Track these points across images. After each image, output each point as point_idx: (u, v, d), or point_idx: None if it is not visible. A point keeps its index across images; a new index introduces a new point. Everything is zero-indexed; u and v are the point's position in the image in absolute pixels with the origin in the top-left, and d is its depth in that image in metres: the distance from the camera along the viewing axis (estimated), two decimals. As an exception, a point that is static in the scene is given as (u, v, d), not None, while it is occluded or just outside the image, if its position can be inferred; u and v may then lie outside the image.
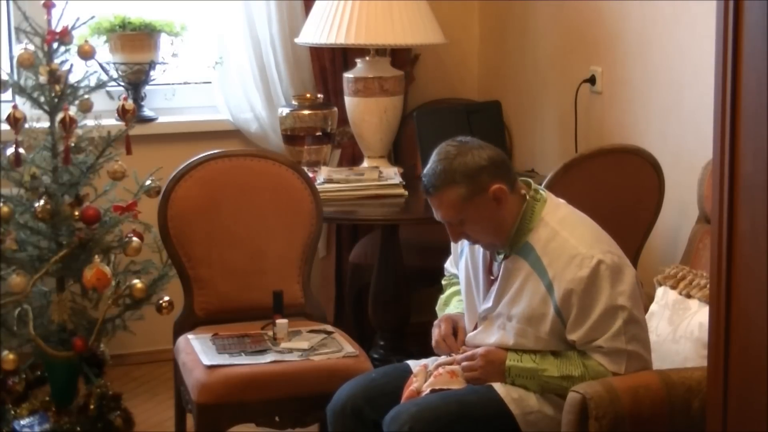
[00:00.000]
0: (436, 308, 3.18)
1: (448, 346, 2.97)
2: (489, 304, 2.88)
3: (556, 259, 2.77)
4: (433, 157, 2.81)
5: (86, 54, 3.69)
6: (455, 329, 3.00)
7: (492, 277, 2.90)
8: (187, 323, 3.56)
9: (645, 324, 2.84)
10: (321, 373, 3.23)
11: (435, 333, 3.02)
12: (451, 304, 3.11)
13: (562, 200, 2.91)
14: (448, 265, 3.21)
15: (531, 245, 2.81)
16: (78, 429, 3.67)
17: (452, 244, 3.11)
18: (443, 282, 3.22)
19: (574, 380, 2.73)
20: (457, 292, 3.12)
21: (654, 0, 3.78)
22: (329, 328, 3.53)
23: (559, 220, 2.82)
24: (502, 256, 2.87)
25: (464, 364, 2.88)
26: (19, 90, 3.65)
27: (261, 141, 4.59)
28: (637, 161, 3.62)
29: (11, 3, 4.05)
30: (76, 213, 3.62)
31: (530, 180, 2.91)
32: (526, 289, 2.81)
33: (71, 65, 3.67)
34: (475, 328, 2.94)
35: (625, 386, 2.67)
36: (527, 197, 2.84)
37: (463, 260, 3.01)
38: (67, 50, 3.64)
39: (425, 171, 2.81)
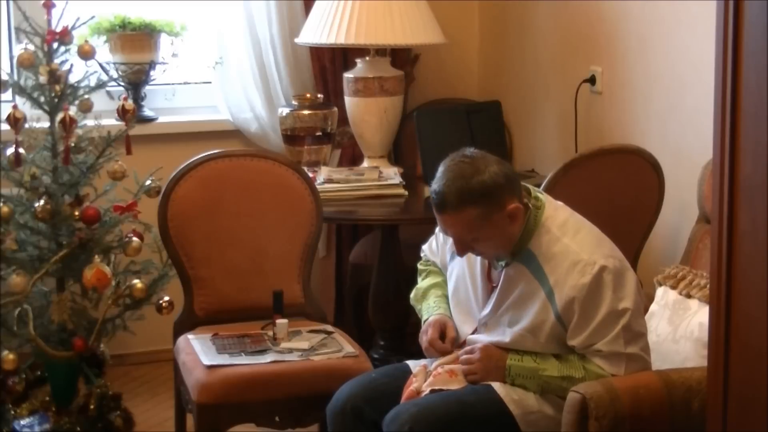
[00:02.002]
0: (411, 297, 3.14)
1: (437, 350, 2.95)
2: (488, 310, 2.88)
3: (557, 266, 2.76)
4: (446, 174, 2.73)
5: (86, 54, 3.69)
6: (443, 332, 2.97)
7: (492, 285, 2.89)
8: (187, 323, 3.56)
9: (645, 326, 2.84)
10: (321, 373, 3.23)
11: (423, 340, 2.98)
12: (430, 299, 3.06)
13: (560, 202, 2.90)
14: (427, 250, 3.17)
15: (532, 252, 2.80)
16: (78, 429, 3.67)
17: (438, 235, 3.09)
18: (420, 266, 3.18)
19: (574, 381, 2.73)
20: (437, 285, 3.09)
21: (654, 0, 3.78)
22: (329, 328, 3.53)
23: (560, 225, 2.81)
24: (502, 263, 2.86)
25: (463, 358, 2.88)
26: (19, 90, 3.65)
27: (261, 141, 4.59)
28: (637, 161, 3.62)
29: (11, 3, 4.05)
30: (76, 213, 3.62)
31: (529, 186, 2.89)
32: (527, 297, 2.80)
33: (71, 65, 3.67)
34: (474, 333, 2.94)
35: (625, 386, 2.67)
36: (529, 206, 2.82)
37: (457, 263, 3.00)
38: (67, 50, 3.64)
39: (437, 188, 2.73)
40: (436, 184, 2.75)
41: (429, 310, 3.04)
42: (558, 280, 2.75)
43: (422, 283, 3.14)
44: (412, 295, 3.15)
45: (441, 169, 2.77)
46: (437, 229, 3.10)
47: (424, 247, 3.19)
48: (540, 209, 2.82)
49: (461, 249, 2.83)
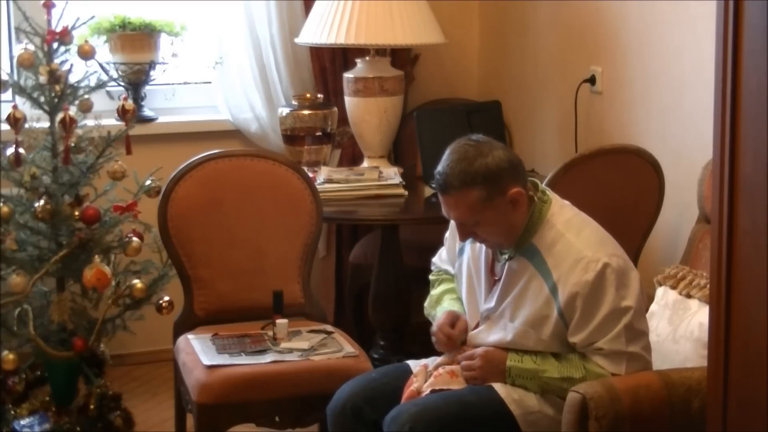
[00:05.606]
0: (425, 305, 3.14)
1: (444, 335, 2.94)
2: (491, 304, 2.88)
3: (561, 262, 2.76)
4: (451, 156, 2.76)
5: (86, 54, 3.69)
6: (454, 323, 2.97)
7: (495, 278, 2.90)
8: (187, 323, 3.56)
9: (647, 325, 2.84)
10: (321, 373, 3.23)
11: (434, 326, 2.99)
12: (444, 302, 3.08)
13: (566, 201, 2.90)
14: (437, 260, 3.19)
15: (536, 247, 2.80)
16: (78, 429, 3.68)
17: (448, 238, 3.10)
18: (431, 277, 3.19)
19: (575, 382, 2.73)
20: (450, 290, 3.10)
21: (654, 0, 3.78)
22: (329, 328, 3.53)
23: (565, 222, 2.82)
24: (505, 257, 2.86)
25: (463, 363, 2.88)
26: (19, 90, 3.65)
27: (261, 141, 4.59)
28: (637, 161, 3.62)
29: (11, 3, 4.05)
30: (76, 213, 3.62)
31: (537, 181, 2.90)
32: (530, 291, 2.80)
33: (71, 65, 3.67)
34: (476, 326, 2.94)
35: (625, 386, 2.67)
36: (535, 199, 2.83)
37: (464, 258, 3.01)
38: (67, 50, 3.64)
39: (441, 169, 2.76)
40: (440, 166, 2.77)
41: (442, 311, 3.04)
42: (561, 276, 2.75)
43: (435, 291, 3.15)
44: (426, 303, 3.15)
45: (446, 152, 2.79)
46: (446, 236, 3.10)
47: (434, 258, 3.20)
48: (546, 203, 2.83)
49: (463, 233, 2.84)
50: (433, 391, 2.85)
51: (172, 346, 3.55)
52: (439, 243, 3.20)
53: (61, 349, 3.64)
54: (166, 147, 4.40)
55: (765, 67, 2.01)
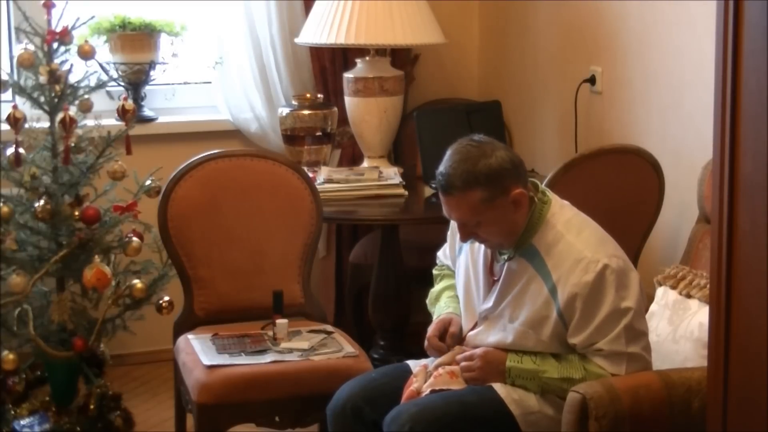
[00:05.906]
0: (427, 301, 3.16)
1: (432, 347, 2.97)
2: (489, 304, 2.88)
3: (560, 263, 2.76)
4: (453, 156, 2.75)
5: (86, 54, 3.69)
6: (445, 330, 2.99)
7: (494, 278, 2.90)
8: (187, 323, 3.56)
9: (647, 326, 2.84)
10: (321, 373, 3.23)
11: (426, 337, 3.01)
12: (442, 300, 3.09)
13: (566, 202, 2.90)
14: (441, 255, 3.19)
15: (535, 247, 2.80)
16: (78, 429, 3.68)
17: (449, 236, 3.10)
18: (434, 272, 3.20)
19: (574, 382, 2.73)
20: (449, 287, 3.11)
21: (654, 0, 3.78)
22: (329, 328, 3.53)
23: (564, 222, 2.81)
24: (505, 257, 2.86)
25: (463, 364, 2.88)
26: (19, 90, 3.65)
27: (261, 141, 4.59)
28: (637, 161, 3.62)
29: (11, 3, 4.05)
30: (76, 213, 3.62)
31: (537, 181, 2.90)
32: (529, 292, 2.80)
33: (71, 65, 3.67)
34: (474, 327, 2.94)
35: (625, 386, 2.67)
36: (535, 199, 2.83)
37: (463, 257, 3.01)
38: (67, 50, 3.65)
39: (443, 170, 2.75)
40: (442, 166, 2.76)
41: (439, 311, 3.07)
42: (561, 277, 2.75)
43: (436, 287, 3.16)
44: (427, 300, 3.17)
45: (448, 152, 2.78)
46: (449, 233, 3.10)
47: (439, 253, 3.21)
48: (546, 204, 2.83)
49: (464, 234, 2.83)
50: (432, 392, 2.85)
51: (172, 346, 3.55)
52: (438, 243, 3.20)
53: (61, 349, 3.64)
54: (166, 147, 4.40)
55: (765, 67, 2.01)
